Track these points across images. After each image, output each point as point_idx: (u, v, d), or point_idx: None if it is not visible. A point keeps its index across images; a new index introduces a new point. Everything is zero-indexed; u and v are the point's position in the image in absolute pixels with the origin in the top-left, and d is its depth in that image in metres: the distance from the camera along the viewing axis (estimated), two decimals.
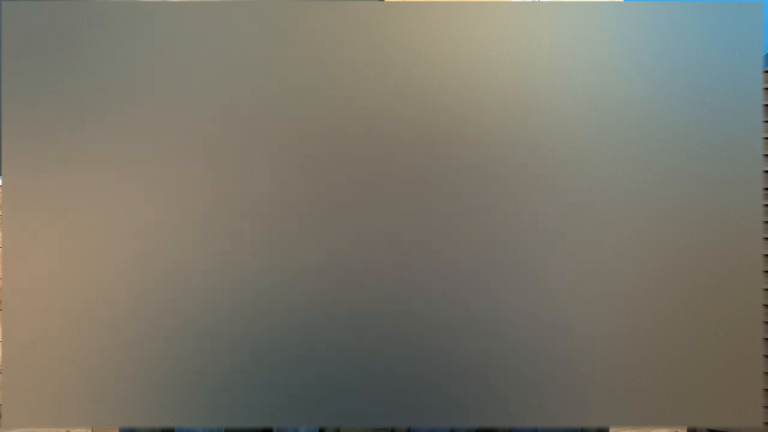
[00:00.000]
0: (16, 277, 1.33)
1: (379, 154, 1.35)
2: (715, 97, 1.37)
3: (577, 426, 1.38)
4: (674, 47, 1.37)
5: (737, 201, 1.38)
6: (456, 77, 1.35)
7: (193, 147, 1.34)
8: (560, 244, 1.36)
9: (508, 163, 1.36)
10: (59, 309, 1.34)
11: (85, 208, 1.34)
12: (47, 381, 1.34)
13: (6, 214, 1.33)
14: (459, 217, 1.36)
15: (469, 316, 1.36)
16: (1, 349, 1.36)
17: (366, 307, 1.35)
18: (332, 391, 1.36)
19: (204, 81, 1.34)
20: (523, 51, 1.36)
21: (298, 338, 1.35)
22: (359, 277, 1.35)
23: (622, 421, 1.38)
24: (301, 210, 1.35)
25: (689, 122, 1.37)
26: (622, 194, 1.37)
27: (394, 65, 1.35)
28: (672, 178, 1.37)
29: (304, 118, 1.35)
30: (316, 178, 1.35)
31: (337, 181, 1.35)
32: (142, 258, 1.34)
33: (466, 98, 1.35)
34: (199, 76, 1.34)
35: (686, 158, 1.37)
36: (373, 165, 1.35)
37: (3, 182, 1.33)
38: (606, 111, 1.36)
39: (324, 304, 1.35)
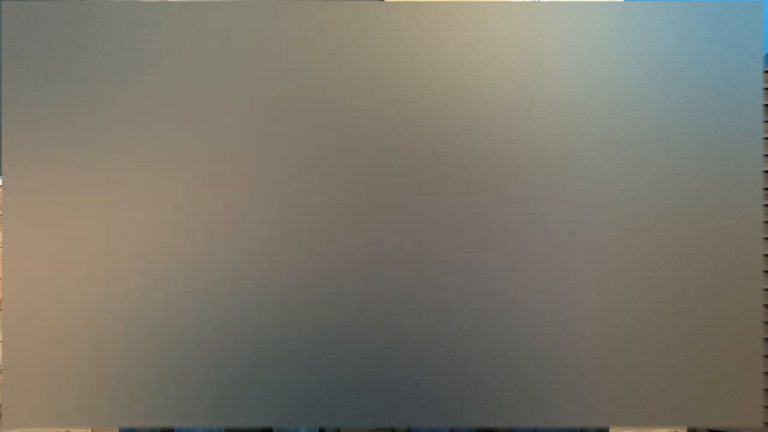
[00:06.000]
0: (16, 277, 1.33)
1: (379, 154, 1.35)
2: (715, 97, 1.37)
3: (577, 426, 1.38)
4: (674, 47, 1.37)
5: (737, 201, 1.38)
6: (456, 77, 1.35)
7: (193, 147, 1.34)
8: (560, 244, 1.36)
9: (508, 163, 1.36)
10: (59, 309, 1.34)
11: (86, 208, 1.34)
12: (47, 381, 1.34)
13: (6, 214, 1.33)
14: (459, 218, 1.36)
15: (469, 317, 1.36)
16: (1, 349, 1.36)
17: (366, 307, 1.35)
18: (332, 391, 1.36)
19: (204, 81, 1.34)
20: (522, 51, 1.36)
21: (298, 338, 1.35)
22: (359, 278, 1.35)
23: (622, 421, 1.38)
24: (300, 211, 1.35)
25: (689, 122, 1.37)
26: (622, 194, 1.37)
27: (394, 65, 1.35)
28: (672, 178, 1.37)
29: (304, 119, 1.35)
30: (314, 178, 1.35)
31: (336, 182, 1.35)
32: (142, 258, 1.34)
33: (466, 98, 1.35)
34: (199, 76, 1.34)
35: (686, 158, 1.37)
36: (372, 165, 1.35)
37: (3, 182, 1.33)
38: (606, 111, 1.36)
39: (324, 304, 1.35)
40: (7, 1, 1.38)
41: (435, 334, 1.36)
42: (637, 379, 1.38)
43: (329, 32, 1.34)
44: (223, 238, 1.34)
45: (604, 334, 1.37)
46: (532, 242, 1.36)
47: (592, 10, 1.36)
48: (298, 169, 1.35)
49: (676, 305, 1.38)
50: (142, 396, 1.34)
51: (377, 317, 1.36)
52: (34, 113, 1.33)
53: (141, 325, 1.34)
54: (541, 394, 1.37)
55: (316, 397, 1.35)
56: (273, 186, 1.34)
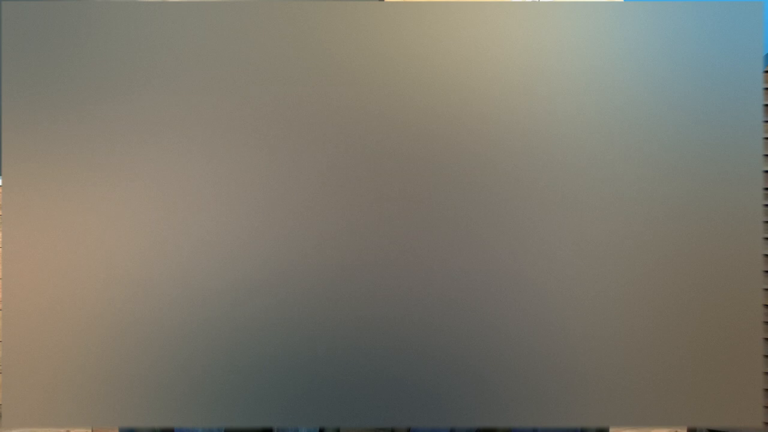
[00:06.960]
0: (16, 277, 1.33)
1: (379, 154, 1.35)
2: (715, 97, 1.38)
3: (577, 426, 1.38)
4: (674, 47, 1.37)
5: (737, 201, 1.38)
6: (456, 77, 1.35)
7: (193, 147, 1.34)
8: (560, 244, 1.36)
9: (509, 162, 1.36)
10: (59, 309, 1.34)
11: (85, 208, 1.34)
12: (47, 381, 1.34)
13: (6, 214, 1.33)
14: (459, 218, 1.36)
15: (468, 317, 1.36)
16: (1, 349, 1.36)
17: (366, 308, 1.36)
18: (332, 391, 1.36)
19: (204, 81, 1.34)
20: (523, 51, 1.36)
21: (298, 339, 1.35)
22: (359, 279, 1.35)
23: (622, 421, 1.38)
24: (300, 211, 1.35)
25: (689, 122, 1.37)
26: (623, 194, 1.37)
27: (394, 65, 1.35)
28: (672, 177, 1.37)
29: (304, 118, 1.35)
30: (313, 178, 1.35)
31: (335, 182, 1.35)
32: (142, 258, 1.34)
33: (466, 98, 1.35)
34: (199, 76, 1.34)
35: (686, 158, 1.37)
36: (372, 165, 1.35)
37: (3, 182, 1.33)
38: (606, 111, 1.37)
39: (324, 304, 1.35)
40: (7, 1, 1.38)
41: (435, 334, 1.36)
42: (637, 379, 1.38)
43: (329, 32, 1.34)
44: (221, 238, 1.34)
45: (604, 334, 1.37)
46: (531, 242, 1.36)
47: (592, 10, 1.36)
48: (297, 169, 1.35)
49: (676, 305, 1.38)
50: (142, 396, 1.34)
51: (377, 318, 1.36)
52: (34, 113, 1.33)
53: (141, 325, 1.34)
54: (541, 394, 1.37)
55: (316, 397, 1.35)
56: (272, 186, 1.34)
